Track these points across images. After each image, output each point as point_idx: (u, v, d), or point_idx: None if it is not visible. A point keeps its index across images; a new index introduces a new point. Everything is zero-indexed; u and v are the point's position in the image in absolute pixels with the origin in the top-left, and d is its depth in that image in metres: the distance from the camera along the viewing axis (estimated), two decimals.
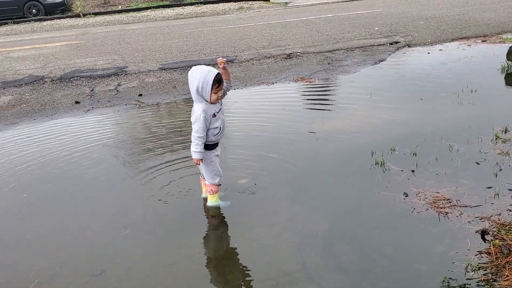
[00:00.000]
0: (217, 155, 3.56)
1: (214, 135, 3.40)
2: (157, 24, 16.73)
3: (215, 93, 3.20)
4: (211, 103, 3.27)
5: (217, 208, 3.69)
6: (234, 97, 7.12)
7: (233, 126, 5.54)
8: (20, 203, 4.08)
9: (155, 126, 6.02)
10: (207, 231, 3.49)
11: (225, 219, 3.60)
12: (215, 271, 3.06)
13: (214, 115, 3.32)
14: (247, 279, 2.89)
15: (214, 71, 3.15)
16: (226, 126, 3.52)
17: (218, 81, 3.17)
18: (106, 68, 9.71)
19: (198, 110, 3.29)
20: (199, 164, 3.47)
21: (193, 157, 3.41)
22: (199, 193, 3.93)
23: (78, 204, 3.99)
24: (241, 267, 3.03)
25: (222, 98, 3.39)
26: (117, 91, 7.95)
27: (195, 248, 3.26)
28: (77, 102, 7.36)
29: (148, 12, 20.37)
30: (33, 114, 6.91)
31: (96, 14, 20.35)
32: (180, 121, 6.18)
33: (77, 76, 9.08)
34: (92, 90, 8.07)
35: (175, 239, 3.37)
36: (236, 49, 10.91)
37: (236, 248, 3.25)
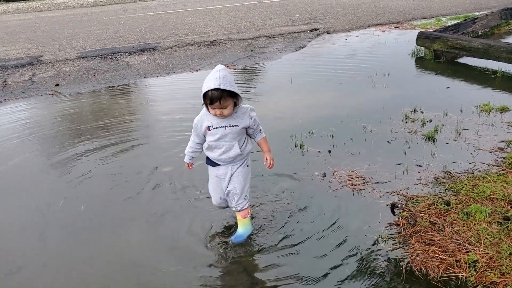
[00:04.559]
0: (218, 176, 3.00)
1: (206, 149, 2.92)
2: (75, 12, 16.03)
3: (212, 109, 2.67)
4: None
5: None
6: (157, 84, 7.03)
7: (157, 113, 5.48)
8: None
9: (73, 116, 5.80)
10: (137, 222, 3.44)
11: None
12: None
13: (209, 129, 2.79)
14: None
15: (214, 83, 2.54)
16: (229, 151, 2.85)
17: (210, 100, 2.60)
18: (20, 57, 9.19)
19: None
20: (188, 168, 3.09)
21: None
22: (117, 181, 3.89)
23: None
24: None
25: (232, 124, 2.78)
26: (32, 81, 7.56)
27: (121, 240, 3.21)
28: None
29: None
30: None
31: (7, 0, 19.08)
32: (100, 110, 6.00)
33: None
34: (5, 81, 7.61)
35: (96, 233, 3.29)
36: (159, 36, 10.71)
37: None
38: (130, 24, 12.43)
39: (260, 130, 2.97)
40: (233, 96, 2.66)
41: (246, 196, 3.00)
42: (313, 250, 2.90)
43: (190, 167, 3.08)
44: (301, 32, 10.50)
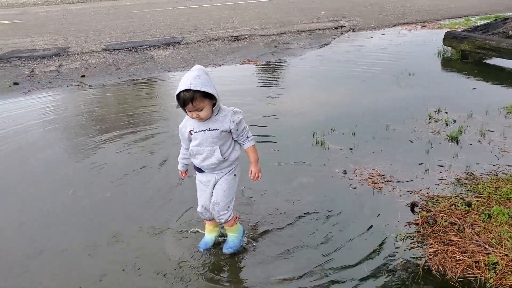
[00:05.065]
0: (202, 183, 2.79)
1: (190, 155, 2.73)
2: (102, 4, 16.25)
3: (188, 111, 2.50)
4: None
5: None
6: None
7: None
8: None
9: (98, 107, 5.90)
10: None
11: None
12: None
13: (191, 133, 2.62)
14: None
15: (185, 84, 2.38)
16: (210, 157, 2.64)
17: (182, 102, 2.43)
18: (47, 48, 9.37)
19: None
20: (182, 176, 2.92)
21: None
22: (138, 170, 3.96)
23: (19, 188, 3.89)
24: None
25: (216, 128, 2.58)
26: (59, 72, 7.71)
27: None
28: (15, 84, 7.08)
29: None
30: None
31: None
32: (124, 102, 6.08)
33: (16, 57, 8.72)
34: (32, 71, 7.77)
35: (118, 218, 3.35)
36: (183, 30, 10.79)
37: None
38: (156, 18, 12.55)
39: (248, 137, 2.69)
40: (209, 97, 2.45)
41: (229, 207, 2.77)
42: (329, 246, 2.90)
43: (184, 175, 2.90)
44: (326, 29, 10.45)
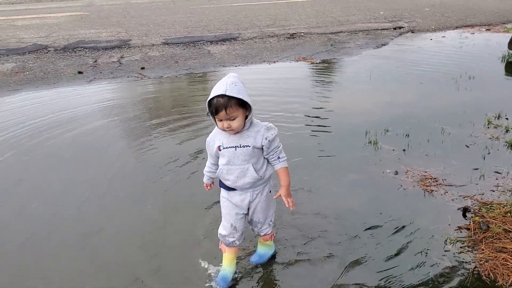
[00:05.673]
0: (231, 202, 2.53)
1: (219, 175, 2.50)
2: None
3: (219, 120, 2.28)
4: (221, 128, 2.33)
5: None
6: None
7: None
8: (20, 166, 4.20)
9: (156, 99, 6.11)
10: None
11: None
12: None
13: (219, 148, 2.40)
14: None
15: (220, 89, 2.21)
16: (244, 176, 2.41)
17: (215, 109, 2.23)
18: (110, 40, 9.76)
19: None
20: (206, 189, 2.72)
21: None
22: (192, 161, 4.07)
23: (76, 170, 4.12)
24: None
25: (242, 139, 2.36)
26: (120, 63, 8.02)
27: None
28: (80, 72, 7.44)
29: None
30: (35, 82, 7.00)
31: None
32: (181, 95, 6.27)
33: (81, 47, 9.15)
34: (95, 61, 8.14)
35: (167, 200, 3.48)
36: (240, 27, 10.92)
37: None
38: (214, 14, 12.77)
39: (279, 158, 2.43)
40: (243, 106, 2.26)
41: (270, 221, 2.67)
42: (377, 245, 2.89)
43: (209, 188, 2.69)
44: (384, 29, 10.27)
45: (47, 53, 8.76)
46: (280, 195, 2.44)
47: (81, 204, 3.49)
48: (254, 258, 2.80)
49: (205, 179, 2.65)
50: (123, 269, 2.76)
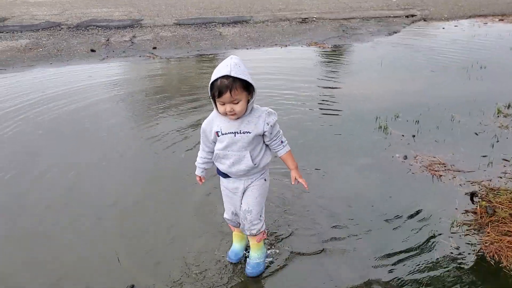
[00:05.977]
0: (228, 189, 2.48)
1: (214, 159, 2.40)
2: None
3: (221, 104, 2.16)
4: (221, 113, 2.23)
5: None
6: (247, 55, 7.24)
7: None
8: (35, 139, 4.31)
9: (168, 79, 6.18)
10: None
11: None
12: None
13: (218, 134, 2.28)
14: None
15: (224, 69, 2.09)
16: (239, 163, 2.31)
17: (219, 91, 2.10)
18: (122, 19, 9.80)
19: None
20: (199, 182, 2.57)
21: None
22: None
23: (89, 144, 4.21)
24: None
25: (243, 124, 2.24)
26: (132, 42, 8.07)
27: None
28: (92, 50, 7.51)
29: None
30: (49, 58, 7.08)
31: None
32: (192, 75, 6.32)
33: (94, 25, 9.19)
34: (108, 40, 8.19)
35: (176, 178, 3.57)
36: (252, 10, 10.91)
37: None
38: None
39: (282, 142, 2.36)
40: (247, 89, 2.15)
41: (261, 216, 2.49)
42: (385, 226, 2.96)
43: (202, 181, 2.55)
44: (396, 17, 10.24)
45: (60, 30, 8.82)
46: (295, 177, 2.39)
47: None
48: (250, 273, 2.58)
49: (198, 172, 2.51)
50: (138, 240, 2.86)
